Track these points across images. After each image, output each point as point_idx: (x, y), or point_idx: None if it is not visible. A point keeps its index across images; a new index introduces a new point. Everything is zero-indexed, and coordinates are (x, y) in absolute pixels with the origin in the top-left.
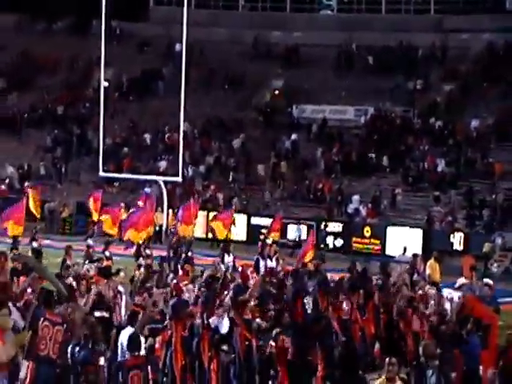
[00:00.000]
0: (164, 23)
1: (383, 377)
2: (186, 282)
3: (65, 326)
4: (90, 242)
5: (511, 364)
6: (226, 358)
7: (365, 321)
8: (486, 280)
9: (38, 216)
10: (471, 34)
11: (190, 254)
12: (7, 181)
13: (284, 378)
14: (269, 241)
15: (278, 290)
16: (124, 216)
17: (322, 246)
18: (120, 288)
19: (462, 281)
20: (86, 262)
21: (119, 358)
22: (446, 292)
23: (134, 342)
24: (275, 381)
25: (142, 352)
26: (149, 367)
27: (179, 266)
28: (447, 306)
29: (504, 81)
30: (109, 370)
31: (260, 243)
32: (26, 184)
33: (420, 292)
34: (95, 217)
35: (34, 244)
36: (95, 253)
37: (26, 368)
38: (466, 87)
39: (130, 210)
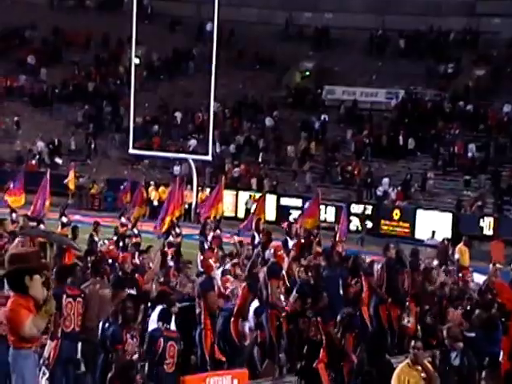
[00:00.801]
0: (195, 2)
1: (407, 360)
2: (213, 260)
3: (83, 296)
4: (123, 219)
5: None
6: (251, 336)
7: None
8: None
9: (73, 190)
10: (503, 18)
11: (218, 232)
12: (37, 156)
13: (323, 360)
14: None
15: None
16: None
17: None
18: (151, 265)
19: (496, 265)
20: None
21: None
22: (476, 277)
23: (165, 316)
24: (304, 361)
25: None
26: (181, 343)
27: (206, 246)
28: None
29: None
30: (141, 343)
31: (287, 223)
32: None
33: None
34: None
35: (64, 219)
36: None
37: (48, 346)
38: (497, 72)
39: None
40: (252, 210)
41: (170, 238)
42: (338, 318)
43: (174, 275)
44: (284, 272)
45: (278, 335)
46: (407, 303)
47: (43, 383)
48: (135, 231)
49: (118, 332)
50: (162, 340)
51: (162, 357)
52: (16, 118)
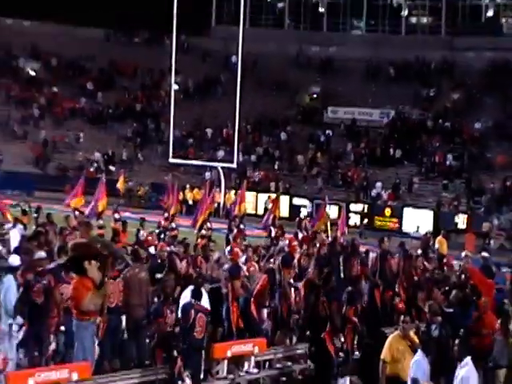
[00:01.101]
0: (223, 39)
1: (398, 332)
2: (238, 250)
3: (122, 277)
4: (166, 215)
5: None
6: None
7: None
8: (483, 253)
9: (123, 192)
10: (475, 52)
11: (242, 226)
12: (95, 164)
13: (330, 332)
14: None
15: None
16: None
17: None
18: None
19: (466, 253)
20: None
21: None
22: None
23: (197, 292)
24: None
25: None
26: (209, 317)
27: (231, 237)
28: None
29: (501, 91)
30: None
31: (298, 219)
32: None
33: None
34: None
35: (116, 215)
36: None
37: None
38: (470, 96)
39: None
40: (269, 209)
41: (203, 231)
42: (344, 295)
43: (200, 262)
44: (296, 260)
45: (289, 312)
46: (398, 286)
47: (96, 349)
48: (173, 225)
49: (160, 307)
50: (192, 311)
51: (192, 325)
52: (78, 134)
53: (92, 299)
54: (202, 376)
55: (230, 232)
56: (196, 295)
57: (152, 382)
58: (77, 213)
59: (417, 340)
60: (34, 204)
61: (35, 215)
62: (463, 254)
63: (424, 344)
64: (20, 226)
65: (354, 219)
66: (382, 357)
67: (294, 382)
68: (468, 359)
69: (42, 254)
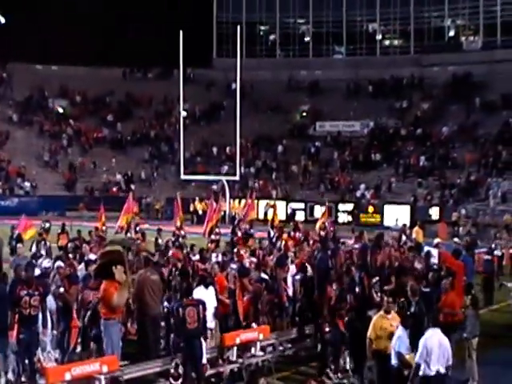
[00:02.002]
0: (223, 69)
1: (381, 312)
2: (244, 251)
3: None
4: (177, 224)
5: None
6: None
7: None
8: (455, 239)
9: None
10: (440, 67)
11: (252, 231)
12: (117, 185)
13: (327, 318)
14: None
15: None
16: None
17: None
18: (192, 257)
19: (437, 240)
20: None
21: None
22: (427, 249)
23: (187, 290)
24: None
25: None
26: (200, 306)
27: (236, 240)
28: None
29: (464, 100)
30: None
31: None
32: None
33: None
34: None
35: (137, 228)
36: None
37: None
38: (437, 105)
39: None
40: (269, 214)
41: (212, 237)
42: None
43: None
44: (290, 258)
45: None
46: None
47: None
48: (182, 233)
49: (179, 305)
50: (180, 308)
51: (183, 319)
52: (101, 159)
53: (119, 297)
54: (204, 361)
55: (235, 236)
56: (186, 292)
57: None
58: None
59: (398, 317)
60: (66, 222)
61: (59, 231)
62: (435, 241)
63: (404, 320)
64: (47, 244)
65: (343, 217)
66: (368, 335)
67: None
68: (430, 330)
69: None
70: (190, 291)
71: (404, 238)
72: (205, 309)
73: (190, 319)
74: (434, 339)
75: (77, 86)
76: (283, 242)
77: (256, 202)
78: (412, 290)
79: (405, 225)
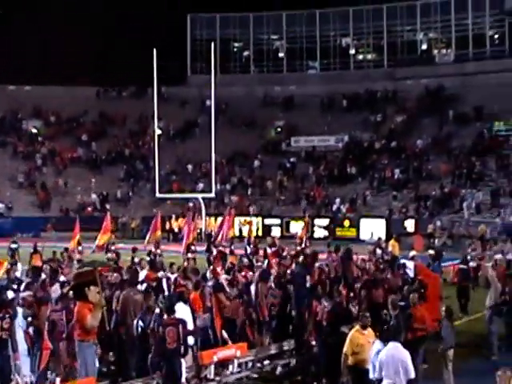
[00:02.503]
0: (198, 86)
1: (357, 327)
2: (220, 268)
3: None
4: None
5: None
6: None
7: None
8: (430, 251)
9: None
10: (413, 81)
11: (232, 248)
12: (92, 205)
13: (315, 332)
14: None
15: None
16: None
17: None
18: (170, 275)
19: (413, 253)
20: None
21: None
22: (403, 262)
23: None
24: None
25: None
26: (180, 325)
27: (211, 258)
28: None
29: (437, 113)
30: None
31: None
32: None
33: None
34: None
35: (113, 247)
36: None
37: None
38: (411, 118)
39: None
40: (244, 231)
41: (189, 255)
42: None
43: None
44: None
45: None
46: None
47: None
48: (158, 251)
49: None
50: (160, 327)
51: (163, 338)
52: (76, 179)
53: (93, 318)
54: (183, 380)
55: (210, 254)
56: (168, 310)
57: None
58: (80, 248)
59: (373, 333)
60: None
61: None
62: (411, 253)
63: (381, 333)
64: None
65: (319, 232)
66: (344, 351)
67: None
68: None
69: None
70: (172, 310)
71: (379, 251)
72: (185, 327)
73: (169, 339)
74: (388, 353)
75: (50, 106)
76: (266, 260)
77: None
78: (392, 304)
79: (380, 238)
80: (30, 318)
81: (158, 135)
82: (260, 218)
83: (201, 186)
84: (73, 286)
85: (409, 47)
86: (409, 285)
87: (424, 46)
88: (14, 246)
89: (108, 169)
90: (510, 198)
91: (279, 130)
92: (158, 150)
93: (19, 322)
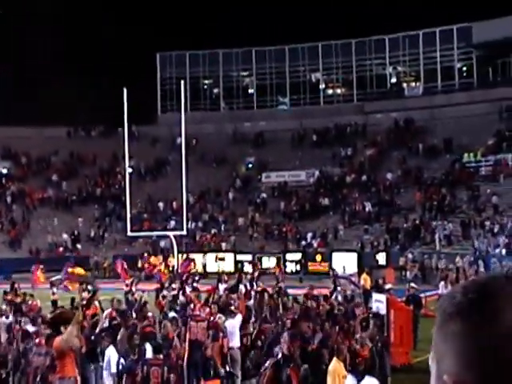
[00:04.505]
0: (168, 124)
1: (335, 360)
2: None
3: None
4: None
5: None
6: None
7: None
8: (412, 284)
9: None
10: (382, 114)
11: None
12: (63, 244)
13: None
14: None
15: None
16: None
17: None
18: (149, 314)
19: (389, 286)
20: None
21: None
22: (375, 296)
23: (156, 348)
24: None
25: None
26: (165, 367)
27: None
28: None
29: (406, 146)
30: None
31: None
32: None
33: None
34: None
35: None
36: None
37: None
38: (381, 151)
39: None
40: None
41: (164, 292)
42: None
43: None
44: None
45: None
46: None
47: None
48: (133, 289)
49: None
50: (145, 367)
51: (147, 379)
52: (46, 219)
53: (68, 334)
54: None
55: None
56: (156, 350)
57: None
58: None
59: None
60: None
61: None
62: (387, 286)
63: (352, 368)
64: None
65: (291, 267)
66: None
67: None
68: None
69: None
70: (160, 350)
71: (352, 286)
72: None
73: (154, 379)
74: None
75: (20, 146)
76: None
77: (202, 255)
78: (371, 336)
79: (351, 274)
80: None
81: (129, 174)
82: (232, 254)
83: (172, 223)
84: (50, 324)
85: (378, 81)
86: (374, 318)
87: (393, 80)
88: None
89: (79, 208)
90: (480, 229)
91: (250, 166)
92: (130, 189)
93: None
